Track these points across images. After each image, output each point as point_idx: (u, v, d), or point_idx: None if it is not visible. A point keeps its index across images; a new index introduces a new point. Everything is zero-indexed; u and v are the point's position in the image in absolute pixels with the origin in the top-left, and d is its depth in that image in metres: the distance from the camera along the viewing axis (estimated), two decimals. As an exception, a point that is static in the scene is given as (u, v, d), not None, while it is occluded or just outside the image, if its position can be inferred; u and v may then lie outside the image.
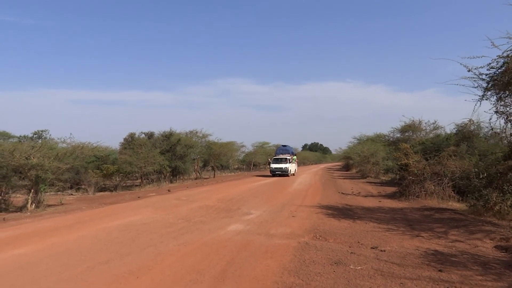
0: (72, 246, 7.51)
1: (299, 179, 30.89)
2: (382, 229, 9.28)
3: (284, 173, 33.45)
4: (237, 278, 5.36)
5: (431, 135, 26.41)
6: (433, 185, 15.00)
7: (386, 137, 31.93)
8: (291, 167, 35.03)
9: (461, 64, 9.75)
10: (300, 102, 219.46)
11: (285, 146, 39.54)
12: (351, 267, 5.95)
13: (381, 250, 7.07)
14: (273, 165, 34.50)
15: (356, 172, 43.90)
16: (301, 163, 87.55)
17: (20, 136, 28.03)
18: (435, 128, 26.84)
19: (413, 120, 27.55)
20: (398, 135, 28.99)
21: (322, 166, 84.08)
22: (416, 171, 15.63)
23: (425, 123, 27.48)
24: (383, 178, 30.79)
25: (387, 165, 32.47)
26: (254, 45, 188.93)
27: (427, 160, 16.16)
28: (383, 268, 5.88)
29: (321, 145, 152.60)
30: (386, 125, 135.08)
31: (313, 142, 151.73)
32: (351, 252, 6.88)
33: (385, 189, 20.95)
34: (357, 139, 48.60)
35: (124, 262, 6.19)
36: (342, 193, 18.87)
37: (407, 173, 16.19)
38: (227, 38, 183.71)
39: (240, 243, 7.60)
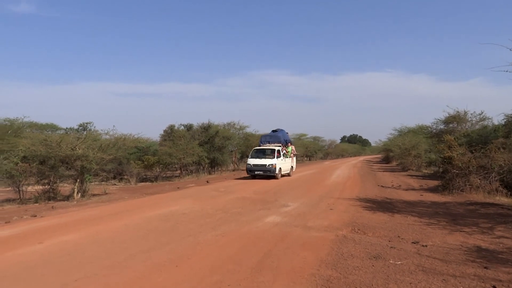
0: (115, 234, 7.81)
1: (338, 171, 30.52)
2: (423, 224, 9.01)
3: (268, 173, 21.87)
4: (274, 270, 5.38)
5: (477, 126, 25.26)
6: (479, 179, 14.39)
7: (429, 128, 30.73)
8: (282, 163, 23.15)
9: (511, 50, 9.19)
10: (338, 93, 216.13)
11: (275, 131, 25.66)
12: (391, 261, 5.83)
13: (422, 245, 6.87)
14: (251, 161, 22.57)
15: (397, 164, 42.83)
16: (339, 155, 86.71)
17: (66, 128, 29.20)
18: (482, 119, 25.63)
19: (457, 111, 26.43)
20: (442, 127, 27.90)
21: (361, 158, 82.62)
22: (460, 164, 15.02)
23: (471, 114, 26.27)
24: (425, 171, 29.86)
25: (429, 158, 31.42)
26: (291, 36, 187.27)
27: (472, 152, 15.47)
28: (424, 264, 5.72)
29: (360, 137, 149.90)
30: (429, 116, 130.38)
31: (352, 133, 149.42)
32: (391, 247, 6.74)
33: (427, 182, 20.33)
34: (398, 130, 47.49)
35: (164, 251, 6.37)
36: (381, 186, 18.48)
37: (450, 166, 15.60)
38: (264, 30, 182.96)
39: (277, 235, 7.62)
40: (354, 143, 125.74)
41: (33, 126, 28.88)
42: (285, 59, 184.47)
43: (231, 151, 33.56)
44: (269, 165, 21.85)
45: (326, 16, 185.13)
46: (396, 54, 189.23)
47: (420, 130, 37.79)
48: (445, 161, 16.58)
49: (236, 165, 35.82)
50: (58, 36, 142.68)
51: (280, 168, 22.46)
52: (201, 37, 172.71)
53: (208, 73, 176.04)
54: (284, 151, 23.80)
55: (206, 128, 29.83)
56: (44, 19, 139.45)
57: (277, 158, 22.21)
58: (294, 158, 26.54)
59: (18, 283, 4.89)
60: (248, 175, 22.80)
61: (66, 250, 6.48)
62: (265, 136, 25.76)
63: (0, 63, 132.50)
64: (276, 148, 22.83)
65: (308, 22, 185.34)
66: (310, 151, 63.96)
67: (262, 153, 23.10)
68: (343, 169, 33.51)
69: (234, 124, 34.88)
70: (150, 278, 5.07)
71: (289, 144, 25.48)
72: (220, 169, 31.24)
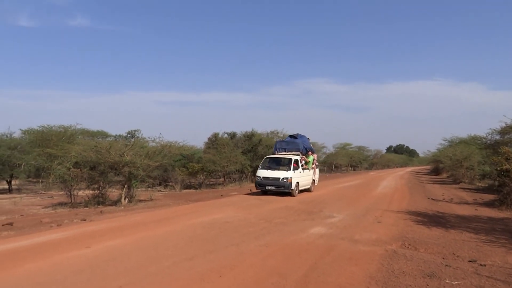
0: (160, 240, 7.85)
1: (384, 182, 29.57)
2: (480, 241, 8.42)
3: (281, 189, 17.48)
4: (320, 285, 5.15)
5: (538, 137, 23.58)
6: (542, 194, 13.36)
7: (483, 139, 29.11)
8: (300, 177, 18.47)
9: None
10: (384, 102, 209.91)
11: (294, 136, 21.30)
12: (447, 281, 5.42)
13: (480, 264, 6.37)
14: (262, 173, 18.24)
15: (447, 176, 41.02)
16: (385, 165, 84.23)
17: (116, 135, 30.36)
18: (544, 130, 23.89)
19: (515, 121, 24.83)
20: (497, 137, 26.27)
21: (409, 169, 79.79)
22: (519, 178, 14.04)
23: (531, 123, 24.57)
24: (479, 184, 28.30)
25: (483, 170, 29.76)
26: (335, 45, 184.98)
27: (533, 165, 14.43)
28: (484, 285, 5.27)
29: (407, 147, 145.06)
30: (482, 126, 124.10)
31: (398, 144, 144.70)
32: (446, 265, 6.29)
33: (482, 196, 19.21)
34: (448, 141, 45.30)
35: (208, 260, 6.30)
36: (432, 199, 17.65)
37: (508, 180, 14.61)
38: (307, 38, 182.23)
39: (322, 247, 7.37)
40: (401, 154, 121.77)
41: (85, 133, 30.25)
42: (329, 67, 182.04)
43: (274, 160, 33.39)
44: (283, 178, 17.40)
45: (372, 23, 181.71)
46: (446, 61, 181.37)
47: (472, 141, 35.91)
48: (502, 174, 15.58)
49: (279, 174, 35.61)
50: (109, 48, 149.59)
51: (297, 182, 17.92)
52: (244, 46, 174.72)
53: (252, 82, 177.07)
54: (304, 162, 19.35)
55: (249, 136, 29.89)
56: (97, 32, 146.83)
57: (293, 170, 17.84)
58: (317, 170, 21.76)
59: None
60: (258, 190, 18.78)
61: (112, 255, 6.56)
62: (280, 142, 21.33)
63: (56, 74, 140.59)
64: (293, 158, 18.49)
65: (353, 30, 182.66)
66: (355, 161, 62.67)
67: (276, 163, 18.73)
68: (390, 180, 32.45)
69: (277, 132, 34.76)
70: (193, 287, 4.99)
71: (310, 152, 20.69)
72: (263, 177, 31.14)
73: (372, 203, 15.32)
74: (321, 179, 32.40)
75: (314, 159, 20.73)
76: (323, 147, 51.47)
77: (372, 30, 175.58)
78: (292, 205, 13.98)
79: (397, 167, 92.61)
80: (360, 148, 69.70)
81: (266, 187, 17.82)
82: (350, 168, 62.56)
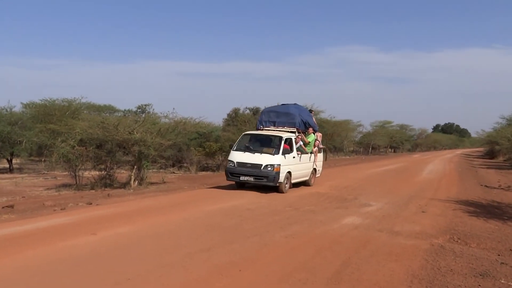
0: (173, 228, 7.95)
1: (430, 166, 29.10)
2: (543, 236, 8.20)
3: (263, 182, 13.35)
4: (355, 283, 5.10)
5: None
6: None
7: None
8: (294, 164, 14.17)
9: None
10: (432, 74, 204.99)
11: (286, 105, 16.40)
12: (502, 281, 5.31)
13: (543, 264, 6.21)
14: (237, 156, 13.85)
15: (504, 160, 40.11)
16: (431, 147, 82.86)
17: (124, 110, 30.77)
18: None
19: None
20: None
21: (458, 151, 78.36)
22: None
23: None
24: (542, 169, 27.54)
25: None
26: (376, 6, 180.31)
27: None
28: (548, 288, 5.13)
29: (457, 126, 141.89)
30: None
31: (447, 122, 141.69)
32: (502, 262, 6.17)
33: (546, 184, 18.68)
34: (507, 119, 44.17)
35: (226, 252, 6.32)
36: (485, 186, 17.32)
37: None
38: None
39: (357, 240, 7.31)
40: (450, 134, 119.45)
41: (91, 107, 30.71)
42: (367, 32, 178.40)
43: (303, 139, 33.23)
44: (267, 166, 13.18)
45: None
46: (508, 25, 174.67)
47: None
48: None
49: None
50: (119, 12, 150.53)
51: (288, 172, 13.68)
52: (272, 9, 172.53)
53: (280, 50, 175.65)
54: (300, 143, 14.66)
55: (274, 112, 29.72)
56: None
57: (284, 154, 13.51)
58: (320, 155, 16.60)
59: (67, 279, 5.04)
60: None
61: (120, 244, 6.67)
62: (268, 112, 16.29)
63: (60, 41, 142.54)
64: (285, 136, 14.02)
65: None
66: (396, 141, 61.88)
67: (259, 143, 14.42)
68: (436, 164, 31.98)
69: (307, 108, 34.48)
70: (209, 282, 5.01)
71: (311, 130, 15.64)
72: (289, 159, 31.06)
73: (415, 190, 15.16)
74: (356, 162, 32.24)
75: (316, 139, 15.95)
76: (359, 125, 50.91)
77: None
78: (323, 191, 13.95)
79: (445, 149, 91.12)
80: (402, 127, 68.70)
81: (241, 178, 13.61)
82: (390, 150, 61.89)
